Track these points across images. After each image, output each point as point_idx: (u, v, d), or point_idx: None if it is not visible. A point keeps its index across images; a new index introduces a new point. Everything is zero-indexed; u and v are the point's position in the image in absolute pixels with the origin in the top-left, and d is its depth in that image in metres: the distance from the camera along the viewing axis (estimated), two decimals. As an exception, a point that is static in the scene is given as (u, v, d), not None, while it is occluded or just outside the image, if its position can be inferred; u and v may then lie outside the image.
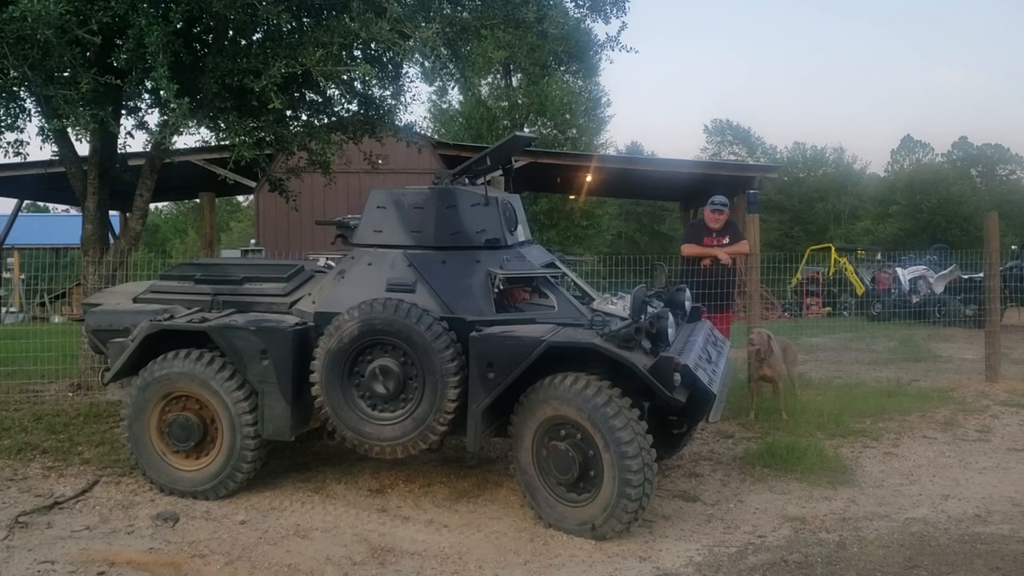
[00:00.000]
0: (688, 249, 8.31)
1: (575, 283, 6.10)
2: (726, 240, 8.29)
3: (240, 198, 48.66)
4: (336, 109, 9.41)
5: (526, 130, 29.48)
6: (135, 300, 6.19)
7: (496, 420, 5.27)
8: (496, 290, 5.37)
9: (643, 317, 4.86)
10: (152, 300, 6.11)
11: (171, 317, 5.68)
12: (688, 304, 6.02)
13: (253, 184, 17.82)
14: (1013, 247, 17.85)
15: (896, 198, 48.27)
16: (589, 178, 22.14)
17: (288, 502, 5.56)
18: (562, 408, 4.84)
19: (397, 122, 9.51)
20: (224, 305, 5.88)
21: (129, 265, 8.76)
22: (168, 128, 7.44)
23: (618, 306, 5.44)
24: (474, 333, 5.06)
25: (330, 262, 6.44)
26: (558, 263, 6.05)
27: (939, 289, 16.66)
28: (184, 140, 30.33)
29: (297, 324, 5.48)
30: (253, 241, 18.99)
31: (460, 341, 5.09)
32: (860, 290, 19.89)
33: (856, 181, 54.28)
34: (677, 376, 4.69)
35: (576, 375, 4.87)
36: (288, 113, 8.78)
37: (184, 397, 5.57)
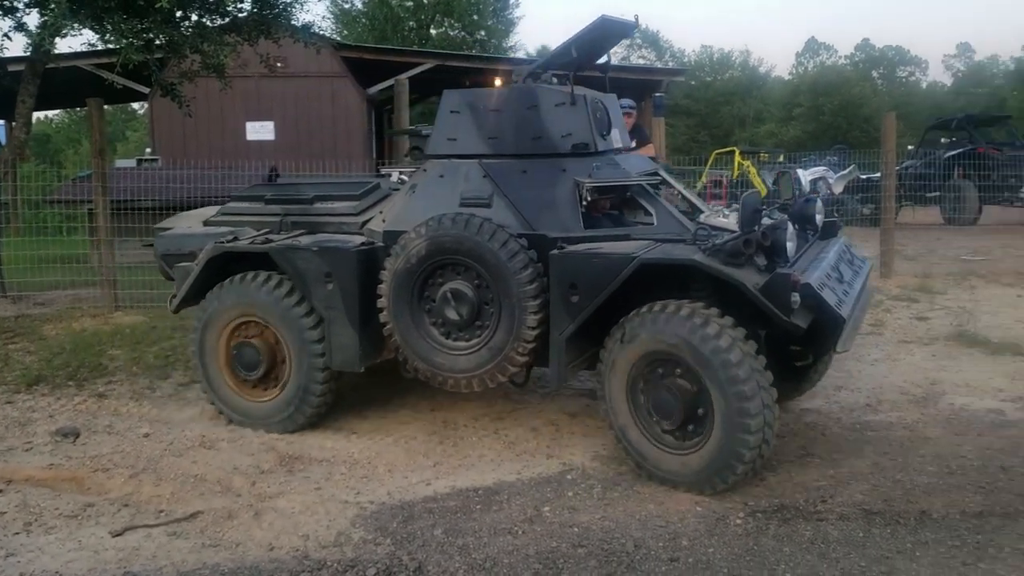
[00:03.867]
0: (594, 152, 8.25)
1: (683, 196, 5.41)
2: (632, 144, 8.28)
3: (136, 106, 46.63)
4: (229, 8, 8.99)
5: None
6: (205, 223, 5.83)
7: (584, 351, 4.68)
8: (584, 202, 4.70)
9: (756, 228, 4.15)
10: (222, 223, 5.73)
11: (235, 239, 5.31)
12: (819, 218, 5.25)
13: (146, 90, 17.01)
14: (910, 147, 18.38)
15: (800, 101, 48.94)
16: (498, 82, 21.84)
17: (193, 414, 5.49)
18: (662, 342, 4.15)
19: (294, 22, 9.17)
20: (293, 226, 5.48)
21: (19, 176, 8.34)
22: (48, 29, 7.02)
23: (730, 219, 4.67)
24: (554, 251, 4.46)
25: (403, 177, 5.98)
26: (663, 173, 5.38)
27: (838, 189, 17.07)
28: (69, 43, 28.69)
29: (363, 244, 5.02)
30: (148, 150, 18.25)
31: (542, 260, 4.50)
32: (763, 192, 20.29)
33: (761, 84, 54.87)
34: (796, 297, 3.92)
35: (678, 302, 4.18)
36: (178, 13, 8.34)
37: (251, 323, 5.24)
